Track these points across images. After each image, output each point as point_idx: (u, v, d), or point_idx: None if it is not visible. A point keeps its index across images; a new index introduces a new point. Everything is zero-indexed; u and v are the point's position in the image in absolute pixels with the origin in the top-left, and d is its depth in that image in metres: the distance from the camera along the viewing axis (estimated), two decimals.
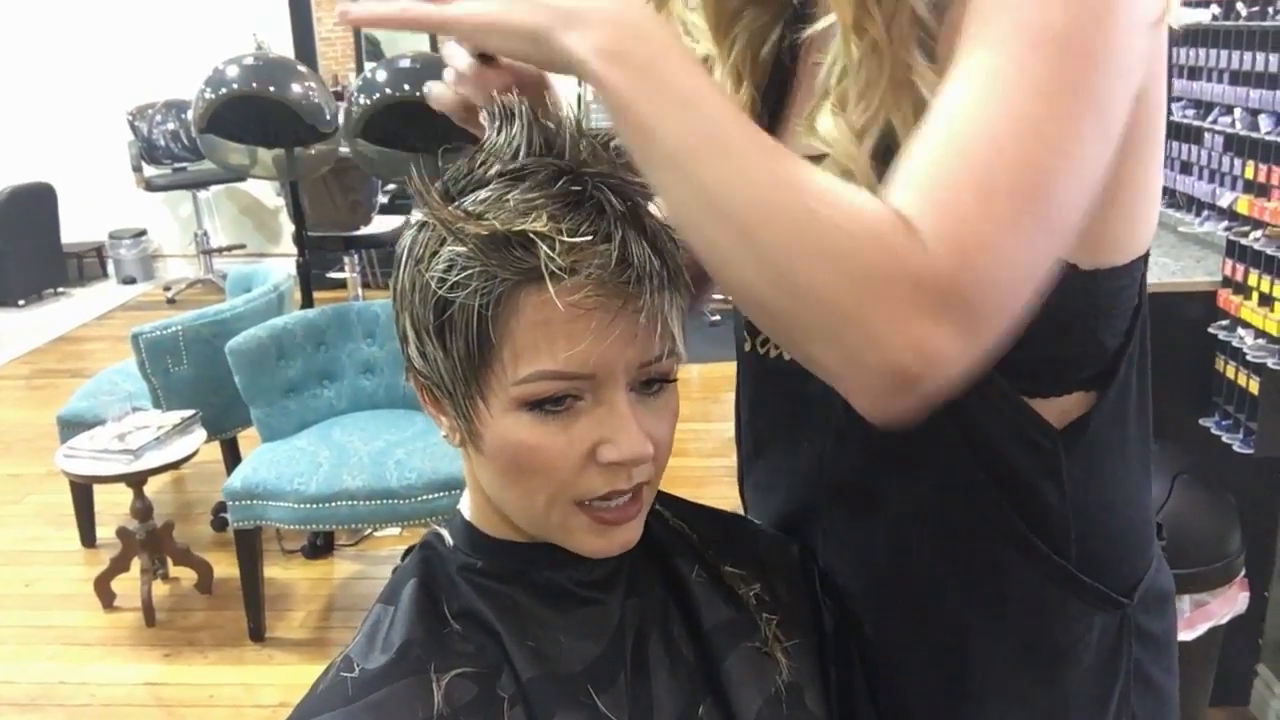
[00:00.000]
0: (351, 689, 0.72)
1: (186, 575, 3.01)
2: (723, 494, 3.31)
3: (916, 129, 0.58)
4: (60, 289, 6.42)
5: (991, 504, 0.72)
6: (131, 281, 6.61)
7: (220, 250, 6.50)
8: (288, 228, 4.92)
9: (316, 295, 3.58)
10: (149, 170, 6.17)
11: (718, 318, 5.07)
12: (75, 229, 6.40)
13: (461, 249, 0.65)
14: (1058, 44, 0.55)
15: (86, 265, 6.69)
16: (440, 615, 0.75)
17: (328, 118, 3.10)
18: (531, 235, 0.63)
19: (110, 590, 2.93)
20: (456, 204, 0.67)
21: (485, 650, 0.73)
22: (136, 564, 2.88)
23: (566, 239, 0.63)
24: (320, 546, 3.16)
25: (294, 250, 3.53)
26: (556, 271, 0.63)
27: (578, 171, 0.67)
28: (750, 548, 0.87)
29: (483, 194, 0.67)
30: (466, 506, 0.79)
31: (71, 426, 3.12)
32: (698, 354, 4.66)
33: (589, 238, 0.64)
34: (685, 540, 0.84)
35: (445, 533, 0.79)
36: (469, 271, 0.65)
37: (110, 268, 6.72)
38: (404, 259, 0.70)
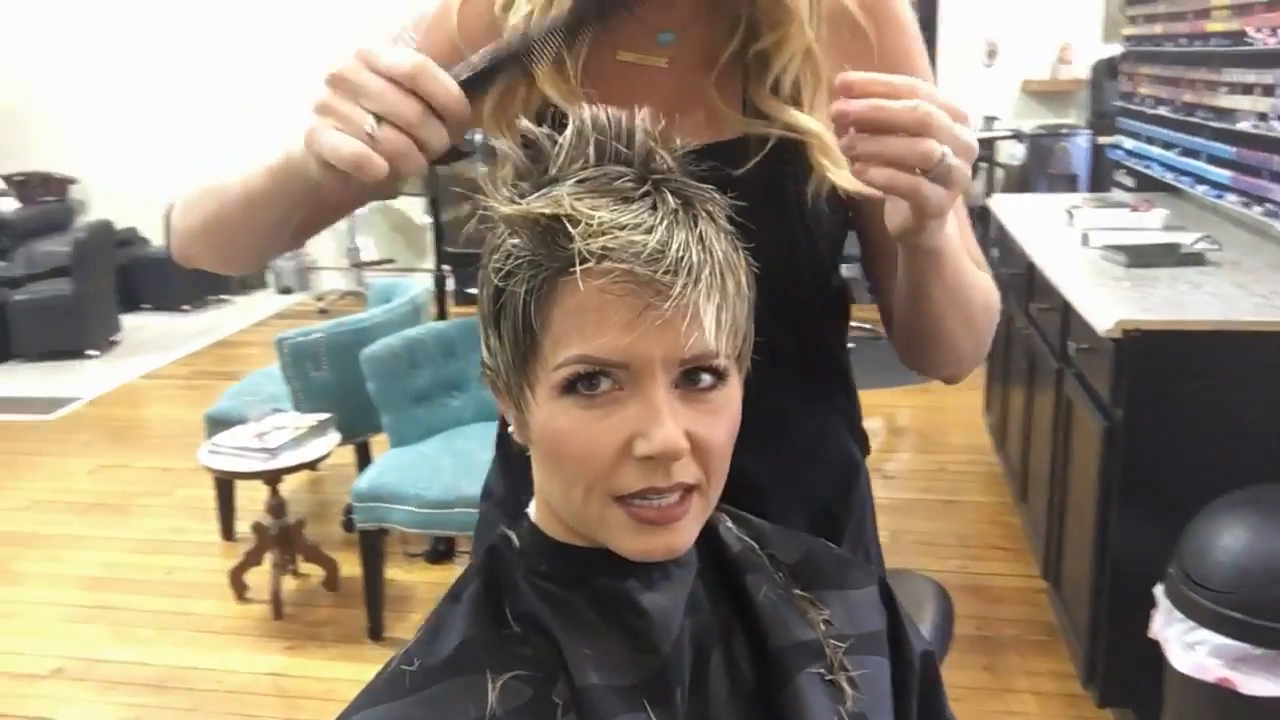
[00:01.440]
0: (409, 682, 0.73)
1: (315, 572, 3.12)
2: None
3: None
4: (223, 296, 6.78)
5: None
6: (288, 291, 6.93)
7: (371, 264, 6.75)
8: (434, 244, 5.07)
9: (457, 309, 3.68)
10: None
11: (852, 344, 4.97)
12: None
13: (517, 240, 0.67)
14: None
15: (248, 275, 7.04)
16: (501, 617, 0.75)
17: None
18: (564, 218, 0.65)
19: (243, 582, 3.06)
20: (514, 193, 0.69)
21: (543, 654, 0.73)
22: (269, 558, 3.00)
23: (595, 224, 0.64)
24: (442, 552, 3.24)
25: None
26: (587, 255, 0.64)
27: (644, 174, 0.68)
28: (825, 572, 0.85)
29: (548, 189, 0.68)
30: (534, 509, 0.80)
31: (218, 424, 3.28)
32: None
33: (626, 226, 0.64)
34: (756, 559, 0.83)
35: (513, 535, 0.80)
36: (520, 261, 0.67)
37: (269, 278, 7.05)
38: (484, 253, 0.73)
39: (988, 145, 5.67)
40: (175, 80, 6.77)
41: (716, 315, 0.67)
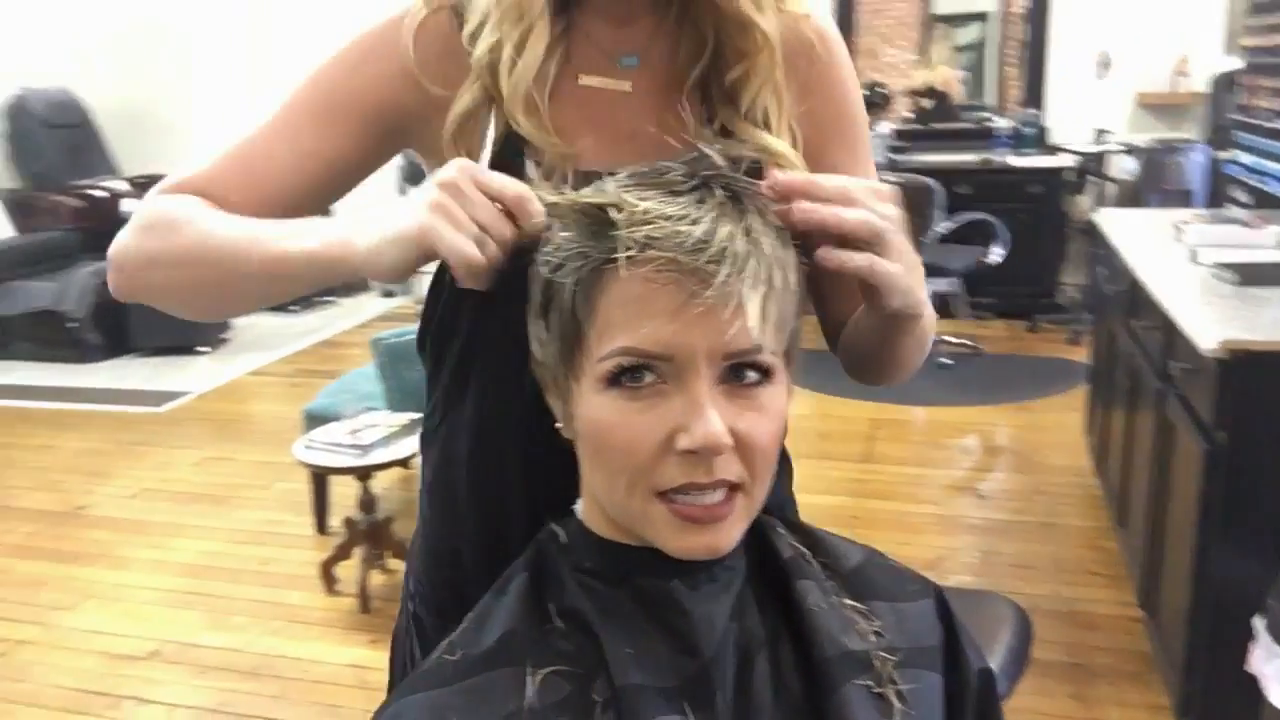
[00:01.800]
0: (451, 671, 0.74)
1: (402, 568, 3.16)
2: (930, 542, 3.24)
3: None
4: (329, 298, 6.95)
5: None
6: (391, 295, 7.08)
7: None
8: None
9: None
10: (412, 192, 6.59)
11: (950, 361, 4.89)
12: None
13: (567, 233, 0.68)
14: None
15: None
16: (544, 612, 0.76)
17: None
18: (608, 208, 0.65)
19: (333, 575, 3.13)
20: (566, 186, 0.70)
21: (584, 651, 0.73)
22: (358, 553, 3.07)
23: (640, 213, 0.64)
24: None
25: None
26: (630, 243, 0.64)
27: (694, 170, 0.68)
28: (878, 584, 0.84)
29: (600, 183, 0.70)
30: (581, 506, 0.80)
31: (315, 421, 3.38)
32: (925, 397, 4.55)
33: (671, 217, 0.64)
34: (807, 566, 0.82)
35: (560, 530, 0.80)
36: (568, 253, 0.68)
37: (373, 281, 7.22)
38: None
39: (1098, 159, 5.50)
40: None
41: (762, 306, 0.67)
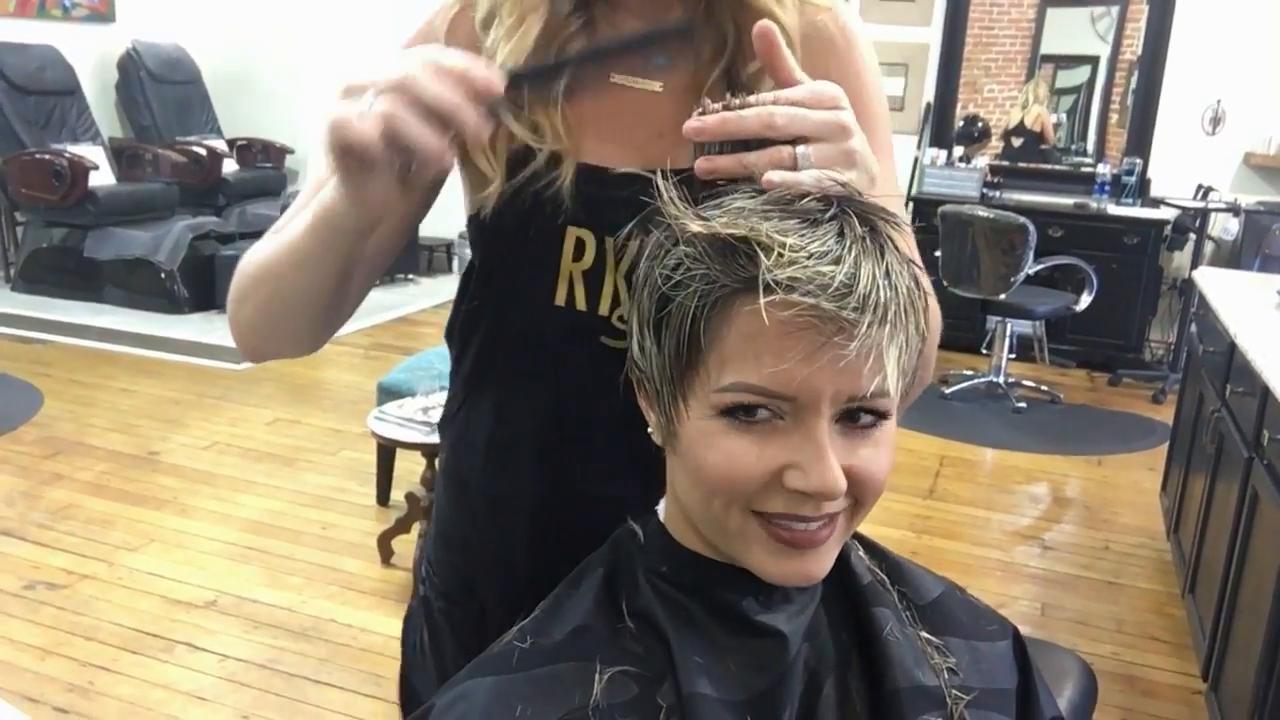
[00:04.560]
0: (518, 659, 0.73)
1: None
2: (990, 588, 3.18)
3: None
4: (410, 276, 7.06)
5: None
6: None
7: None
8: None
9: None
10: None
11: (1024, 405, 4.80)
12: (431, 226, 6.97)
13: (691, 250, 0.65)
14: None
15: (435, 259, 7.33)
16: (617, 610, 0.75)
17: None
18: (754, 242, 0.62)
19: (390, 548, 3.17)
20: (700, 208, 0.68)
21: (653, 654, 0.72)
22: (416, 528, 3.10)
23: (787, 252, 0.62)
24: None
25: None
26: (773, 284, 0.61)
27: (828, 194, 0.66)
28: (956, 620, 0.82)
29: (732, 203, 0.67)
30: (663, 508, 0.79)
31: (388, 394, 3.42)
32: (995, 438, 4.47)
33: (814, 255, 0.62)
34: (885, 594, 0.80)
35: (639, 531, 0.79)
36: (693, 273, 0.65)
37: (455, 264, 7.31)
38: (645, 255, 0.72)
39: (1200, 216, 5.36)
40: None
41: (899, 358, 0.65)
